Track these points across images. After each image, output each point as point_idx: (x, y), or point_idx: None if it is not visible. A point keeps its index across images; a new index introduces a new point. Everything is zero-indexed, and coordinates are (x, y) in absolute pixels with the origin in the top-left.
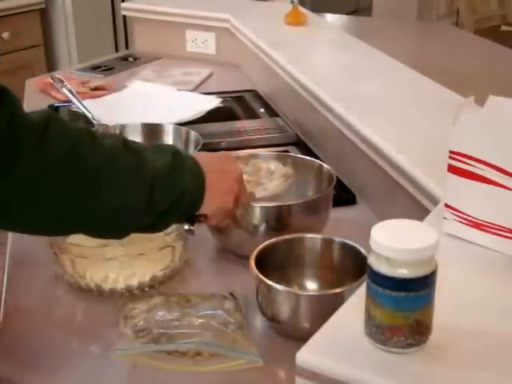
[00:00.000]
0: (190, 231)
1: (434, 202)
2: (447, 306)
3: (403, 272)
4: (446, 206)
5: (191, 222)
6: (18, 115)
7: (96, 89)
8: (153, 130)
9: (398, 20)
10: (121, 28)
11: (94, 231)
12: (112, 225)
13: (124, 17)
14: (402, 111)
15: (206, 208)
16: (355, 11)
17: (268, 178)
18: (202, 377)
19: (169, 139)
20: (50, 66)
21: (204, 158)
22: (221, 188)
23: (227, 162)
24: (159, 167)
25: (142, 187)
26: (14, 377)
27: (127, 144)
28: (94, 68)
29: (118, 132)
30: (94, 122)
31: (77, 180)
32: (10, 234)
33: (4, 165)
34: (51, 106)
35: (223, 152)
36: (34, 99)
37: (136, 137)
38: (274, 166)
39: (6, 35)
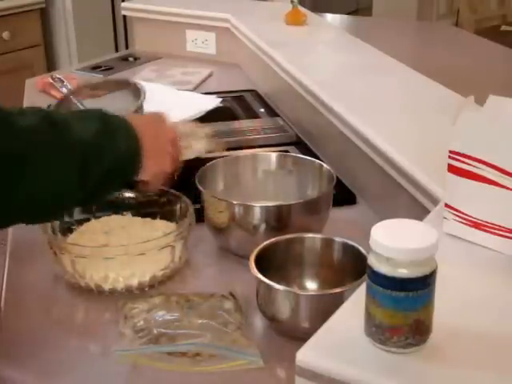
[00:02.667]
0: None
1: (434, 201)
2: (447, 306)
3: (403, 272)
4: (446, 205)
5: (131, 187)
6: None
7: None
8: None
9: (397, 20)
10: (121, 28)
11: (27, 218)
12: (43, 209)
13: (124, 17)
14: (402, 111)
15: (145, 174)
16: (355, 11)
17: (194, 139)
18: (202, 377)
19: None
20: (50, 65)
21: (137, 121)
22: (158, 152)
23: (162, 124)
24: (88, 138)
25: (72, 164)
26: (14, 376)
27: (49, 119)
28: (94, 68)
29: None
30: None
31: None
32: (10, 234)
33: None
34: (51, 106)
35: (156, 112)
36: (34, 99)
37: None
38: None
39: (5, 35)
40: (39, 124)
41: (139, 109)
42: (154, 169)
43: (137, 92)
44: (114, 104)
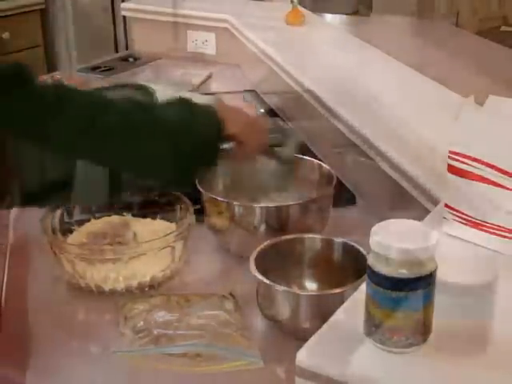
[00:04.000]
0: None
1: (434, 202)
2: (447, 306)
3: (403, 272)
4: (446, 206)
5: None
6: (36, 88)
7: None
8: None
9: (397, 20)
10: (121, 28)
11: (143, 175)
12: (151, 169)
13: (124, 17)
14: (401, 110)
15: (232, 127)
16: (355, 12)
17: None
18: (202, 378)
19: None
20: (50, 66)
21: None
22: (235, 110)
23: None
24: (176, 117)
25: (164, 141)
26: (14, 376)
27: (139, 105)
28: (94, 68)
29: None
30: None
31: (107, 134)
32: (11, 235)
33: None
34: None
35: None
36: None
37: None
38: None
39: (6, 35)
40: (133, 108)
41: None
42: (237, 119)
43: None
44: None
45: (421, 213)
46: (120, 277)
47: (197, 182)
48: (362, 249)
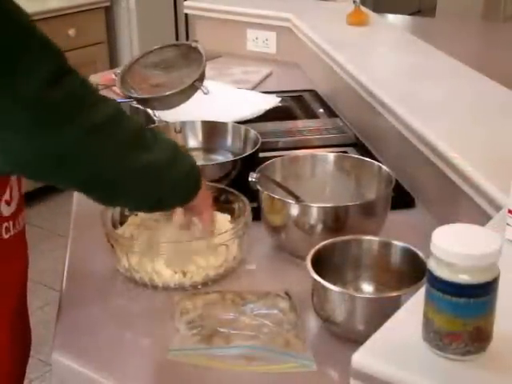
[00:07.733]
0: None
1: (496, 207)
2: (509, 314)
3: (464, 278)
4: (510, 212)
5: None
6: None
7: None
8: (212, 128)
9: (462, 21)
10: (182, 26)
11: (127, 193)
12: (141, 185)
13: (186, 15)
14: (465, 114)
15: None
16: (418, 11)
17: None
18: (253, 377)
19: (228, 137)
20: (113, 62)
21: None
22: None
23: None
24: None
25: (168, 152)
26: (72, 366)
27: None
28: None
29: (178, 128)
30: (155, 118)
31: (118, 138)
32: (72, 226)
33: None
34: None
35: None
36: None
37: (196, 134)
38: None
39: (71, 32)
40: (142, 124)
41: (202, 76)
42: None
43: (198, 57)
44: (176, 71)
45: (481, 218)
46: (173, 273)
47: (255, 180)
48: (419, 252)
